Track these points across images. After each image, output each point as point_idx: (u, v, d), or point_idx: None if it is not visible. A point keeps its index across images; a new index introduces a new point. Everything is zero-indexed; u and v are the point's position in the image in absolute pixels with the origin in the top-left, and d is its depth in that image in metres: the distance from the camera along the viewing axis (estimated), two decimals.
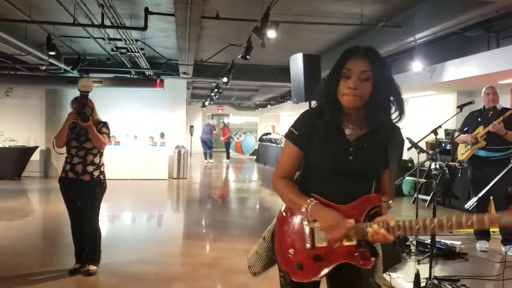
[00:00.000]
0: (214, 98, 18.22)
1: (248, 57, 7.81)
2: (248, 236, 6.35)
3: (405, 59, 8.97)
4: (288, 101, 18.61)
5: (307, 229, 1.92)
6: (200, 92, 21.04)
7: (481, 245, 5.68)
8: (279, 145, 17.10)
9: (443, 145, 8.97)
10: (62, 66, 11.15)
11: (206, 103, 22.04)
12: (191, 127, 21.81)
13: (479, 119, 5.70)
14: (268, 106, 23.74)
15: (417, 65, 8.37)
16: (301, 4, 7.03)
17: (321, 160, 1.94)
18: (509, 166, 2.73)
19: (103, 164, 4.57)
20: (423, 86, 9.34)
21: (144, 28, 6.62)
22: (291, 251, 1.95)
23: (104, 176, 4.56)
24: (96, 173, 4.45)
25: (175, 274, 4.76)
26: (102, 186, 4.53)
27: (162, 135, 12.98)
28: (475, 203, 2.65)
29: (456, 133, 5.93)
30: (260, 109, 26.24)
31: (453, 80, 8.32)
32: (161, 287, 4.46)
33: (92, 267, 4.52)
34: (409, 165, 9.99)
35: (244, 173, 17.63)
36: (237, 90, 19.02)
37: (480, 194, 2.68)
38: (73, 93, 12.58)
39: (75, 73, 11.53)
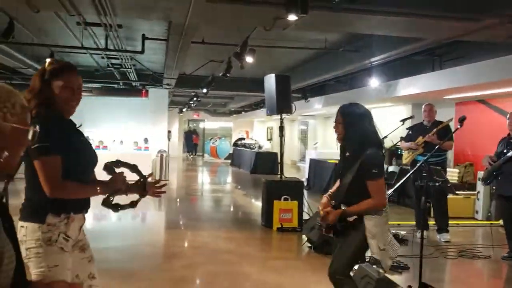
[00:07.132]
0: (192, 105, 19.25)
1: (228, 75, 8.94)
2: (227, 228, 7.38)
3: (364, 76, 10.31)
4: (261, 109, 19.69)
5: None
6: (178, 99, 21.87)
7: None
8: (253, 150, 18.10)
9: (399, 151, 10.30)
10: None
11: (184, 109, 22.95)
12: (169, 132, 22.61)
13: (420, 130, 7.00)
14: (243, 112, 24.61)
15: (374, 82, 9.72)
16: (274, 31, 8.20)
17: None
18: (417, 165, 3.89)
19: None
20: (380, 99, 10.68)
21: (142, 52, 7.69)
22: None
23: None
24: None
25: (171, 253, 5.88)
26: None
27: (146, 140, 14.01)
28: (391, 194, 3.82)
29: (402, 142, 7.23)
30: (234, 115, 27.06)
31: (405, 95, 9.67)
32: (163, 262, 5.60)
33: None
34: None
35: (220, 176, 18.49)
36: (213, 97, 19.99)
37: (395, 187, 3.86)
38: None
39: None
